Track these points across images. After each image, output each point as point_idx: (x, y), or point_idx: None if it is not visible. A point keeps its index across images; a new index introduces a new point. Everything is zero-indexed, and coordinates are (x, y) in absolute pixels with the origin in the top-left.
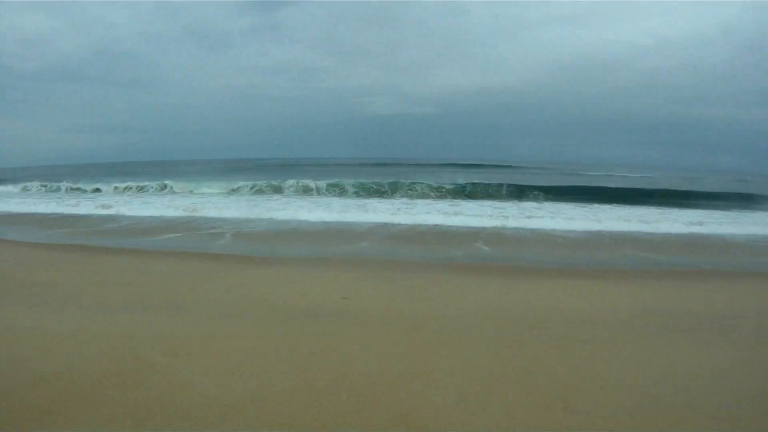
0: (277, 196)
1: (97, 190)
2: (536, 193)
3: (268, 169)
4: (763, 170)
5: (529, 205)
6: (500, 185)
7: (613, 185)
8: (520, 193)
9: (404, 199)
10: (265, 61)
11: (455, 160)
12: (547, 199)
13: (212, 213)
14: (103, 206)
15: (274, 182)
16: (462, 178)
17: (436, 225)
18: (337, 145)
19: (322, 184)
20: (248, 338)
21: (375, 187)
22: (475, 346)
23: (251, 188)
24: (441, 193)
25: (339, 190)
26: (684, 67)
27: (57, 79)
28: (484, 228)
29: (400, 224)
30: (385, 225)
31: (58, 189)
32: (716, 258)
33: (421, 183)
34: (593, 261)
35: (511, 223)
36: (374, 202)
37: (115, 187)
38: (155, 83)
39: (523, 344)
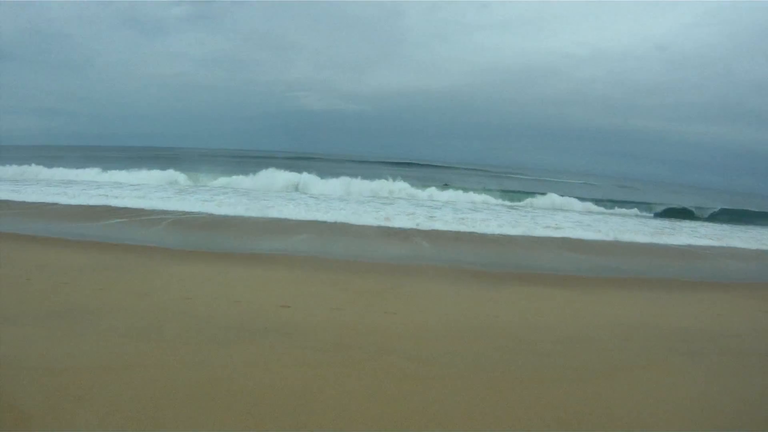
0: (206, 187)
1: None
2: (474, 192)
3: (197, 159)
4: (691, 180)
5: (462, 206)
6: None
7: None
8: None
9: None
10: (198, 51)
11: (387, 158)
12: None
13: (133, 203)
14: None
15: (201, 173)
16: (394, 175)
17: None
18: (268, 138)
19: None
20: (166, 368)
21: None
22: (465, 377)
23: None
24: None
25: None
26: (618, 80)
27: None
28: (419, 226)
29: (327, 221)
30: (314, 222)
31: None
32: (676, 267)
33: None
34: (545, 266)
35: (447, 225)
36: (300, 196)
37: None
38: (87, 67)
39: (520, 372)
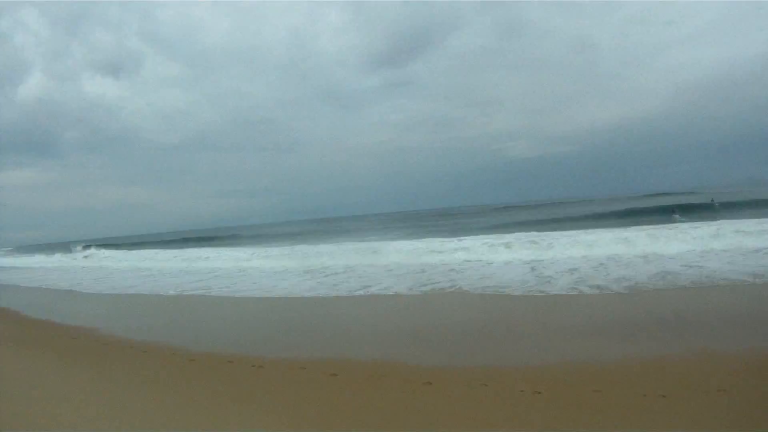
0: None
1: None
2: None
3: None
4: None
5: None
6: None
7: None
8: None
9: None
10: (399, 117)
11: (599, 196)
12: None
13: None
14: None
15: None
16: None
17: None
18: (479, 191)
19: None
20: None
21: None
22: None
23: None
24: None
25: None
26: None
27: (197, 149)
28: None
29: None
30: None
31: None
32: None
33: None
34: None
35: None
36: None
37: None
38: (293, 146)
39: None
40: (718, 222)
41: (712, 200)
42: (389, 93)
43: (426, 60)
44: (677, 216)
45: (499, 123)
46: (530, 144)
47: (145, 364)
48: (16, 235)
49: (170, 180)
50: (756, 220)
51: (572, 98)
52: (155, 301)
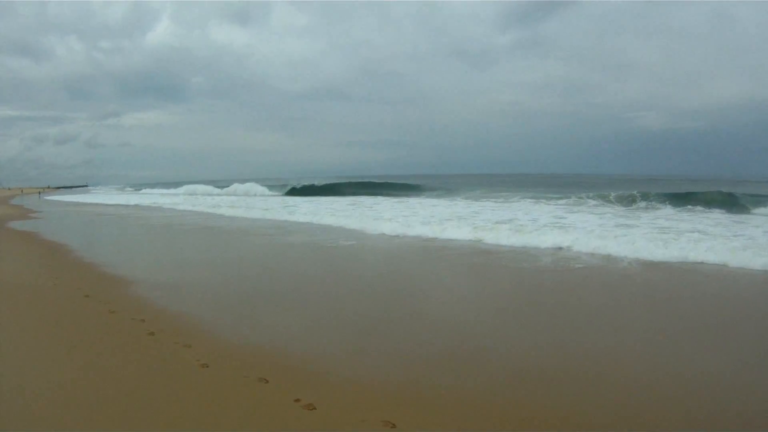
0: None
1: None
2: None
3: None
4: None
5: None
6: None
7: None
8: None
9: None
10: (528, 77)
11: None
12: None
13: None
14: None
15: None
16: None
17: None
18: (604, 160)
19: None
20: None
21: None
22: None
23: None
24: None
25: None
26: None
27: (324, 98)
28: None
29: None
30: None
31: None
32: None
33: None
34: None
35: None
36: None
37: None
38: (421, 100)
39: None
40: None
41: None
42: (521, 52)
43: (561, 18)
44: None
45: (630, 91)
46: (659, 115)
47: None
48: (139, 173)
49: (294, 127)
50: None
51: (708, 72)
52: None
